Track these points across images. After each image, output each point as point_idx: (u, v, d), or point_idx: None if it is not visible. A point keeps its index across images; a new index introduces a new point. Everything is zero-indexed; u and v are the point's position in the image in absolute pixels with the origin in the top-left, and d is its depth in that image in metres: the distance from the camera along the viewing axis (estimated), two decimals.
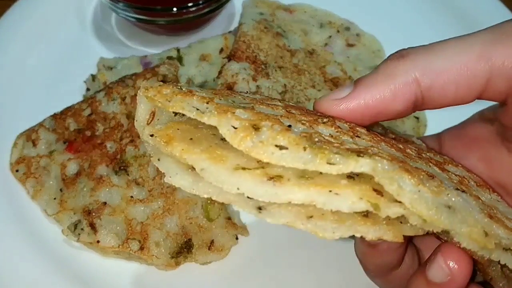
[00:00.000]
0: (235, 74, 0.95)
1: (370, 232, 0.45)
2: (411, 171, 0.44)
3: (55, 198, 0.84)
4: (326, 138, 0.46)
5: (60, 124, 0.90)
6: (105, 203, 0.81)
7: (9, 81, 1.01)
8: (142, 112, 0.50)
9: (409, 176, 0.43)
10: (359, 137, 0.49)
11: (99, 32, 1.13)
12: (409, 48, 0.53)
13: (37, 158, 0.88)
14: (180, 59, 1.02)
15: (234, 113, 0.45)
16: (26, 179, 0.86)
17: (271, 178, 0.42)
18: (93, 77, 1.01)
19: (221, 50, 1.04)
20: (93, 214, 0.80)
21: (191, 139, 0.45)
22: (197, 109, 0.45)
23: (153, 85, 0.49)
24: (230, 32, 1.09)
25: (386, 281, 0.59)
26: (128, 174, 0.84)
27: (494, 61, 0.49)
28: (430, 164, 0.53)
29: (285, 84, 0.95)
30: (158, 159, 0.48)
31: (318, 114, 0.53)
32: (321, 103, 0.54)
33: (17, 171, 0.87)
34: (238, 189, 0.42)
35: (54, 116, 0.91)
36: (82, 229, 0.79)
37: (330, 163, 0.42)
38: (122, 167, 0.85)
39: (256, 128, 0.44)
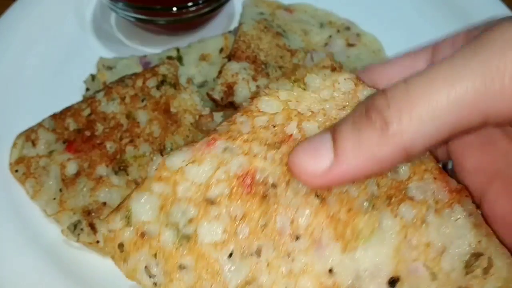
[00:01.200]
0: (235, 74, 0.94)
1: None
2: None
3: (54, 198, 0.83)
4: None
5: (60, 124, 0.90)
6: (104, 203, 0.81)
7: (8, 81, 1.01)
8: (110, 249, 0.56)
9: None
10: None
11: (99, 32, 1.13)
12: (390, 101, 0.47)
13: (36, 158, 0.87)
14: (180, 59, 1.02)
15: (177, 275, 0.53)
16: (25, 179, 0.86)
17: None
18: (93, 77, 1.00)
19: (221, 50, 1.04)
20: (93, 214, 0.80)
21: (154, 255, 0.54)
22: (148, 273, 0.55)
23: (108, 236, 0.56)
24: (230, 32, 1.08)
25: None
26: (127, 174, 0.84)
27: (490, 115, 0.46)
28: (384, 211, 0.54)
29: None
30: None
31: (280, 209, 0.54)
32: (300, 174, 0.51)
33: (16, 171, 0.87)
34: None
35: (54, 116, 0.91)
36: (81, 229, 0.79)
37: None
38: (121, 167, 0.84)
39: None
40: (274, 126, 0.55)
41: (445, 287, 0.54)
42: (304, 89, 0.57)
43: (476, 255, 0.54)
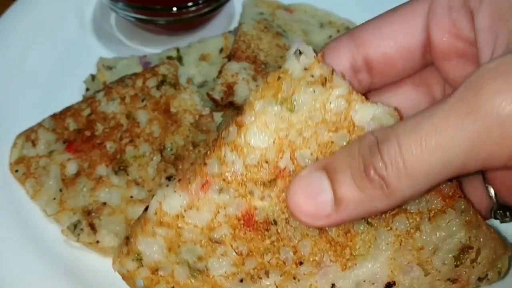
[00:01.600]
0: (235, 74, 0.95)
1: None
2: None
3: (54, 198, 0.83)
4: None
5: (60, 124, 0.90)
6: (104, 203, 0.81)
7: (8, 81, 1.01)
8: (132, 286, 0.61)
9: None
10: None
11: (99, 32, 1.13)
12: (386, 162, 0.48)
13: (36, 158, 0.87)
14: (180, 59, 1.02)
15: None
16: (25, 179, 0.86)
17: None
18: (93, 77, 1.00)
19: (221, 50, 1.04)
20: (93, 214, 0.80)
21: None
22: None
23: (126, 275, 0.60)
24: (230, 32, 1.08)
25: None
26: (127, 174, 0.84)
27: (483, 168, 0.49)
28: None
29: None
30: None
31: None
32: (300, 216, 0.52)
33: (16, 171, 0.87)
34: None
35: (54, 116, 0.91)
36: (81, 229, 0.79)
37: None
38: (121, 167, 0.84)
39: None
40: (267, 162, 0.53)
41: (436, 281, 0.57)
42: (292, 111, 0.53)
43: (466, 249, 0.57)
